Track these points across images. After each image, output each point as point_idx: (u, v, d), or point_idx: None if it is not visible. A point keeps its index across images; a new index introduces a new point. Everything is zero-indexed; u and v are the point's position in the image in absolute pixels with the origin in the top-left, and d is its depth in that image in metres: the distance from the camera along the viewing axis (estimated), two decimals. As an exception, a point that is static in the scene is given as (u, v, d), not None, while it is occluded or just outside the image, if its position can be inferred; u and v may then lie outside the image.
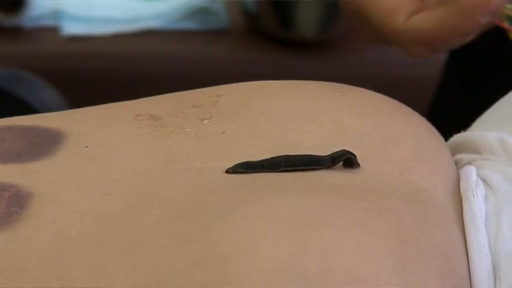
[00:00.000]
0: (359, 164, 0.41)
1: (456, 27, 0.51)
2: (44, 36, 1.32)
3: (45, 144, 0.43)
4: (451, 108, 0.79)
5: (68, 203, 0.38)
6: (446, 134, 0.50)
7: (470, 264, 0.39)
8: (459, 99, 0.79)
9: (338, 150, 0.41)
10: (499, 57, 0.73)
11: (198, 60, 1.31)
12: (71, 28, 1.31)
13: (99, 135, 0.44)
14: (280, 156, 0.41)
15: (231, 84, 0.48)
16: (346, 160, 0.41)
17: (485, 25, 0.52)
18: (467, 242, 0.39)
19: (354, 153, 0.41)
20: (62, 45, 1.31)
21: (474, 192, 0.42)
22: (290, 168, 0.40)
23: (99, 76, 1.29)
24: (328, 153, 0.41)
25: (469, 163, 0.46)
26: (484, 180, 0.44)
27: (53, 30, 1.32)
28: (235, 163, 0.40)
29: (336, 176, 0.41)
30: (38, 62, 1.26)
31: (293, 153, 0.41)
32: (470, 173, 0.44)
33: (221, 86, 0.48)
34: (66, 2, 1.34)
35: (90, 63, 1.29)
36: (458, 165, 0.47)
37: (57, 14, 1.33)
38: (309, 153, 0.41)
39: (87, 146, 0.42)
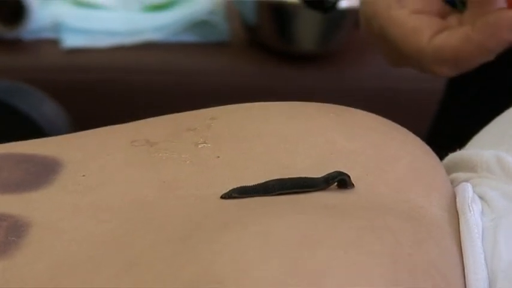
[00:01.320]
0: (353, 185, 0.41)
1: (481, 44, 0.51)
2: (44, 49, 1.32)
3: (43, 173, 0.43)
4: (453, 127, 0.79)
5: (65, 231, 0.39)
6: (449, 152, 0.50)
7: (466, 280, 0.39)
8: (461, 118, 0.79)
9: (331, 171, 0.41)
10: (501, 76, 0.73)
11: (198, 73, 1.31)
12: (71, 41, 1.31)
13: (96, 163, 0.44)
14: (274, 180, 0.41)
15: (225, 106, 0.49)
16: (340, 181, 0.41)
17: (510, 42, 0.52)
18: (463, 257, 0.40)
19: (348, 173, 0.41)
20: (62, 58, 1.31)
21: (470, 208, 0.42)
22: (284, 192, 0.41)
23: (99, 89, 1.29)
24: (322, 174, 0.41)
25: (465, 181, 0.46)
26: (480, 197, 0.44)
27: (53, 43, 1.32)
28: (230, 188, 0.41)
29: (330, 197, 0.41)
30: (38, 74, 1.26)
31: (287, 176, 0.41)
32: (467, 189, 0.44)
33: (215, 108, 0.48)
34: (66, 14, 1.34)
35: (90, 75, 1.29)
36: (454, 183, 0.47)
37: (57, 27, 1.33)
38: (303, 176, 0.41)
39: (83, 175, 0.43)
